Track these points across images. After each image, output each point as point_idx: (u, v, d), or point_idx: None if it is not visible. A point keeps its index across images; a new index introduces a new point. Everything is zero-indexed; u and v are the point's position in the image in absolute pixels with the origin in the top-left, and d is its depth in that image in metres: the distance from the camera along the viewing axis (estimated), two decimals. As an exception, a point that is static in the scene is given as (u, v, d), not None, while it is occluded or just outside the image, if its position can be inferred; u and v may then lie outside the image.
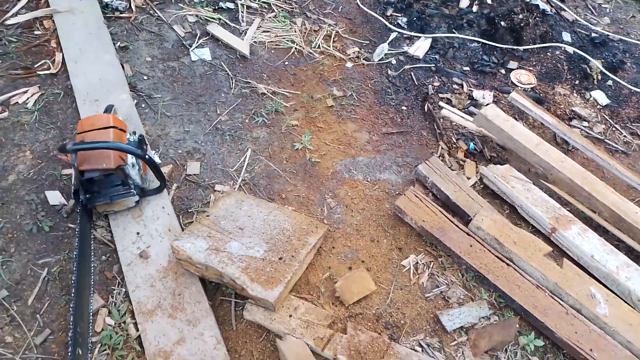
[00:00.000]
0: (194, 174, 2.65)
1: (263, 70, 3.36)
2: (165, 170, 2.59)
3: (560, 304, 2.23)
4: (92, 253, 2.20)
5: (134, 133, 2.47)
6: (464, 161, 2.92)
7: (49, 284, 2.13)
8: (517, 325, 2.18)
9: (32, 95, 2.87)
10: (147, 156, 2.20)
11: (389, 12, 4.00)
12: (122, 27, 3.41)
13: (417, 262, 2.40)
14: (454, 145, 3.01)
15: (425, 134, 3.12)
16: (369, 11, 3.97)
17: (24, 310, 2.03)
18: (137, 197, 2.31)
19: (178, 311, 2.03)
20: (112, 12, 3.49)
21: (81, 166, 2.11)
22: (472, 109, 3.28)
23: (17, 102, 2.82)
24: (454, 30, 3.83)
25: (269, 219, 2.33)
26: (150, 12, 3.58)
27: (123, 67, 3.12)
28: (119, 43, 3.26)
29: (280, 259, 2.13)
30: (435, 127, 3.14)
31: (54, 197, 2.41)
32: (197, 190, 2.58)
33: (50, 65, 3.05)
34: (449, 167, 2.87)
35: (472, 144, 3.01)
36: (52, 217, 2.35)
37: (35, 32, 3.24)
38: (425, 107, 3.26)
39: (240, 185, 2.64)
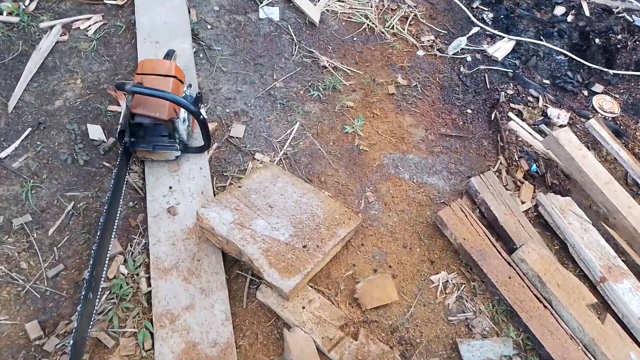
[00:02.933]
0: (237, 137, 2.55)
1: (329, 42, 3.17)
2: (210, 127, 2.49)
3: (592, 362, 2.03)
4: (122, 195, 2.16)
5: (190, 86, 2.38)
6: (522, 183, 2.69)
7: (72, 218, 2.11)
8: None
9: (94, 23, 2.82)
10: (202, 117, 2.11)
11: (476, 3, 3.68)
12: (195, -30, 3.28)
13: (448, 281, 2.24)
14: (514, 163, 2.77)
15: (486, 144, 2.89)
16: (454, -1, 3.67)
17: (43, 239, 2.02)
18: (179, 153, 2.24)
19: (194, 277, 1.97)
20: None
21: (134, 109, 2.05)
22: (543, 127, 3.01)
23: (78, 28, 2.78)
24: (541, 37, 3.50)
25: (302, 201, 2.21)
26: (227, -42, 3.42)
27: (189, 12, 3.02)
28: (190, -14, 3.15)
29: (305, 247, 2.02)
30: (499, 139, 2.89)
31: (95, 132, 2.37)
32: (237, 155, 2.49)
33: (119, -5, 2.98)
34: (504, 186, 2.65)
35: (534, 166, 2.76)
36: (89, 151, 2.32)
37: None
38: (493, 115, 3.01)
39: (280, 159, 2.52)
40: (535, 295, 2.16)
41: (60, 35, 2.71)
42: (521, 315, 2.11)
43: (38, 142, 2.31)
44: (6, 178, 2.16)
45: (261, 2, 3.23)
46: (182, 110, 2.21)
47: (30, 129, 2.34)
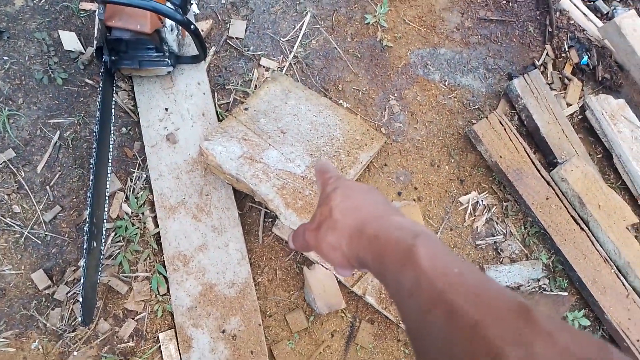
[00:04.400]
0: (238, 38, 2.14)
1: None
2: (203, 26, 2.09)
3: (623, 284, 1.96)
4: (112, 123, 1.89)
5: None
6: (570, 80, 2.32)
7: (61, 150, 1.88)
8: (570, 305, 1.96)
9: None
10: (192, 26, 1.72)
11: None
12: None
13: (478, 202, 2.07)
14: (563, 54, 2.37)
15: (532, 29, 2.43)
16: None
17: (33, 178, 1.82)
18: (171, 68, 1.89)
19: (203, 214, 1.82)
20: None
21: (109, 21, 1.65)
22: (600, 4, 2.51)
23: None
24: None
25: (318, 121, 1.93)
26: None
27: None
28: None
29: (325, 179, 1.81)
30: (547, 22, 2.43)
31: (70, 41, 1.99)
32: (239, 61, 2.12)
33: None
34: (549, 84, 2.30)
35: (586, 58, 2.36)
36: (66, 65, 1.98)
37: None
38: (543, -11, 2.49)
39: (290, 64, 2.15)
40: (572, 216, 2.00)
41: None
42: (555, 238, 1.98)
43: (5, 57, 1.95)
44: (-23, 106, 1.88)
45: None
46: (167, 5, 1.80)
47: (-9, 40, 1.96)
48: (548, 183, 2.02)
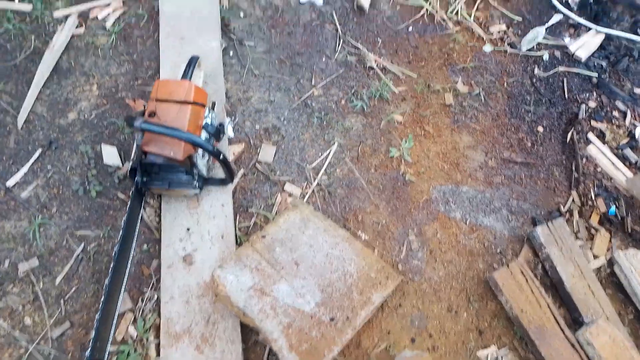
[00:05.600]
0: (266, 162, 2.24)
1: (379, 33, 2.70)
2: (236, 149, 2.21)
3: None
4: (135, 239, 1.95)
5: (213, 106, 2.07)
6: (597, 230, 2.27)
7: (82, 263, 1.93)
8: None
9: (113, 11, 2.48)
10: (221, 156, 1.82)
11: (562, -19, 3.03)
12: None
13: (497, 358, 1.95)
14: (589, 202, 2.34)
15: (557, 173, 2.44)
16: (536, -26, 3.02)
17: (50, 289, 1.86)
18: (198, 191, 1.97)
19: (207, 345, 1.78)
20: None
21: (145, 146, 1.77)
22: (628, 152, 2.51)
23: (96, 17, 2.46)
24: (639, 30, 2.86)
25: (333, 254, 1.93)
26: None
27: (221, -5, 2.61)
28: (221, -40, 2.70)
29: (332, 319, 1.77)
30: (573, 168, 2.44)
31: (110, 155, 2.13)
32: (265, 185, 2.19)
33: (141, -26, 2.59)
34: (575, 233, 2.25)
35: (613, 208, 2.32)
36: (103, 178, 2.09)
37: None
38: (569, 135, 2.53)
39: (313, 191, 2.21)
40: (599, 385, 1.85)
41: (76, 28, 2.40)
42: (579, 409, 1.82)
43: (49, 166, 2.10)
44: (14, 211, 1.99)
45: (303, -18, 2.75)
46: (202, 134, 1.92)
47: (40, 149, 2.12)
48: (573, 345, 1.89)
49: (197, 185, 1.95)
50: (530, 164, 2.45)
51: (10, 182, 2.03)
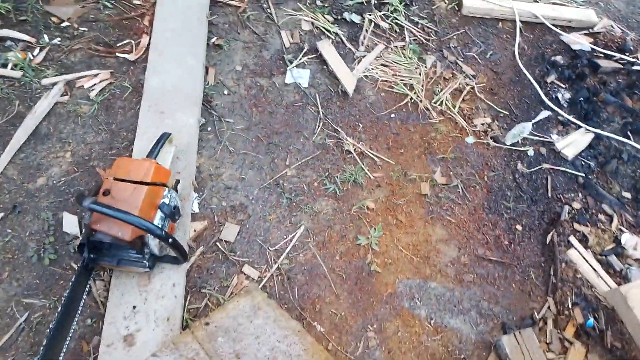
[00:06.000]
0: (227, 241, 2.19)
1: (361, 118, 2.72)
2: (197, 226, 2.17)
3: None
4: (78, 314, 1.88)
5: (177, 184, 2.07)
6: (571, 343, 2.11)
7: (22, 334, 1.86)
8: None
9: (100, 82, 2.57)
10: (170, 240, 1.80)
11: (551, 77, 3.06)
12: (225, 19, 2.96)
13: None
14: (566, 311, 2.20)
15: (534, 276, 2.32)
16: (524, 69, 3.06)
17: (-19, 363, 1.79)
18: (148, 270, 1.92)
19: None
20: (223, -5, 3.04)
21: (93, 225, 1.76)
22: (612, 259, 2.39)
23: (82, 86, 2.54)
24: (629, 132, 2.82)
25: (280, 348, 1.82)
26: (264, 5, 3.06)
27: (207, 71, 2.69)
28: (214, 39, 2.82)
29: None
30: (552, 273, 2.32)
31: (70, 224, 2.11)
32: (222, 265, 2.13)
33: (134, 47, 2.71)
34: (547, 344, 2.09)
35: (591, 320, 2.17)
36: (59, 246, 2.07)
37: (135, 1, 2.92)
38: (549, 236, 2.43)
39: (272, 275, 2.14)
40: None
41: (61, 95, 2.49)
42: None
43: (9, 230, 2.09)
44: (-37, 274, 1.96)
45: (291, 63, 2.83)
46: (157, 214, 1.90)
47: (3, 213, 2.12)
48: None
49: (147, 264, 1.90)
50: (506, 264, 2.34)
51: (-34, 244, 2.02)
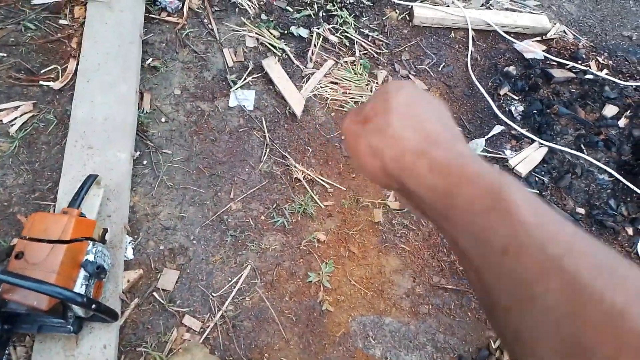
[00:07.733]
0: (166, 290, 2.03)
1: (310, 141, 2.59)
2: (131, 276, 2.00)
3: None
4: (-6, 387, 1.70)
5: (105, 233, 1.89)
6: (528, 375, 2.06)
7: None
8: None
9: (21, 115, 2.34)
10: (93, 305, 1.62)
11: (504, 89, 2.99)
12: (162, 37, 2.75)
13: None
14: (522, 339, 2.15)
15: (490, 303, 2.26)
16: (477, 82, 2.99)
17: None
18: (73, 334, 1.75)
19: None
20: (158, 11, 2.83)
21: (5, 295, 1.57)
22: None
23: (1, 121, 2.31)
24: (582, 145, 2.79)
25: (225, 411, 1.69)
26: (204, 20, 2.87)
27: (142, 97, 2.50)
28: (150, 60, 2.62)
29: None
30: (507, 298, 2.26)
31: (-14, 281, 1.90)
32: (160, 317, 1.98)
33: (60, 74, 2.49)
34: (504, 378, 2.04)
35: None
36: (-27, 309, 1.86)
37: (61, 22, 2.67)
38: (504, 259, 2.37)
39: (216, 324, 1.99)
40: None
41: (-23, 133, 2.25)
42: None
43: None
44: None
45: (234, 84, 2.66)
46: (80, 274, 1.72)
47: None
48: None
49: (71, 329, 1.73)
50: (461, 292, 2.27)
51: None
